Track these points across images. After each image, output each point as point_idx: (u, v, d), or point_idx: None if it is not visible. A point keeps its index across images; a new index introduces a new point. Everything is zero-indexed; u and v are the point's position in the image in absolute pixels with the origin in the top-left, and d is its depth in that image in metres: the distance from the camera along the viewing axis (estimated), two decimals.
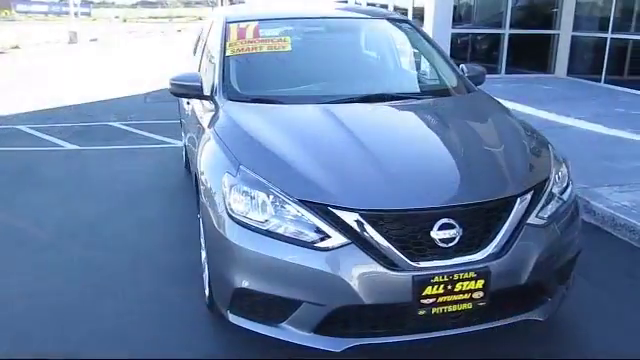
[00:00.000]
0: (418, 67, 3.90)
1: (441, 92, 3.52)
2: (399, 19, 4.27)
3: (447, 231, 2.40)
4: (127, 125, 8.03)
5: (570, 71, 11.51)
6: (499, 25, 11.62)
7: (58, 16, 49.81)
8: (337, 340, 2.45)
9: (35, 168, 5.95)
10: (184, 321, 3.07)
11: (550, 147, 3.01)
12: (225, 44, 3.62)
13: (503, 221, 2.49)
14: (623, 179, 4.93)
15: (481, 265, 2.42)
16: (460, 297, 2.42)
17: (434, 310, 2.41)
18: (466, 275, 2.40)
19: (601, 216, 4.24)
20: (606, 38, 10.45)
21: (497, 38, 11.68)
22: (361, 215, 2.37)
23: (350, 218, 2.37)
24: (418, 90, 3.58)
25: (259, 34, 3.70)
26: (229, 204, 2.54)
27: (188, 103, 4.21)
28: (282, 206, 2.45)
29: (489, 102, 3.44)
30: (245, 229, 2.48)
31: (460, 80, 3.65)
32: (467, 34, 11.54)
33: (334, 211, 2.39)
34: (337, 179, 2.50)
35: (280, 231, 2.43)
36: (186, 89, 3.47)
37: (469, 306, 2.45)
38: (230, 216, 2.53)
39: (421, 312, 2.40)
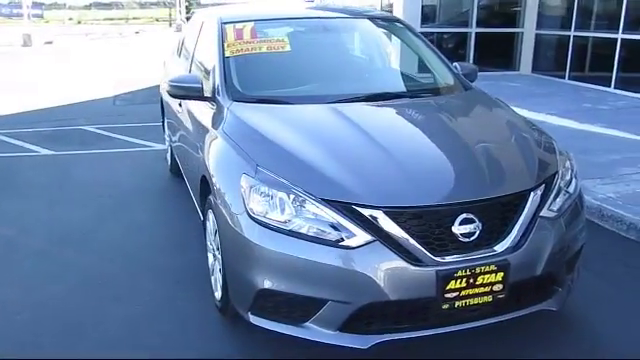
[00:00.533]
0: (415, 66, 3.94)
1: (441, 90, 3.58)
2: (390, 18, 4.32)
3: (467, 226, 2.45)
4: (101, 129, 7.86)
5: (535, 68, 11.82)
6: (466, 24, 11.85)
7: (9, 18, 48.20)
8: (363, 337, 2.47)
9: (12, 175, 5.78)
10: (195, 325, 3.04)
11: (554, 142, 3.10)
12: (223, 45, 3.59)
13: (519, 214, 2.56)
14: (603, 172, 5.10)
15: (500, 258, 2.47)
16: (481, 290, 2.47)
17: (457, 304, 2.45)
18: (487, 268, 2.45)
19: (588, 208, 4.37)
20: (569, 36, 10.78)
21: (464, 37, 11.91)
22: (385, 212, 2.39)
23: (374, 216, 2.39)
24: (419, 88, 3.62)
25: (256, 35, 3.69)
26: (249, 205, 2.53)
27: (180, 105, 4.15)
28: (305, 206, 2.45)
29: (489, 99, 3.52)
30: (267, 229, 2.48)
31: (456, 78, 3.72)
32: (435, 33, 11.70)
33: (358, 209, 2.41)
34: (359, 178, 2.53)
35: (303, 231, 2.44)
36: (186, 90, 3.43)
37: (489, 299, 2.50)
38: (251, 217, 2.52)
39: (445, 306, 2.44)
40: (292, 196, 2.48)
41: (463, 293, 2.44)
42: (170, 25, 53.23)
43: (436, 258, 2.40)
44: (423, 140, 2.96)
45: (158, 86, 6.10)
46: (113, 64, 16.96)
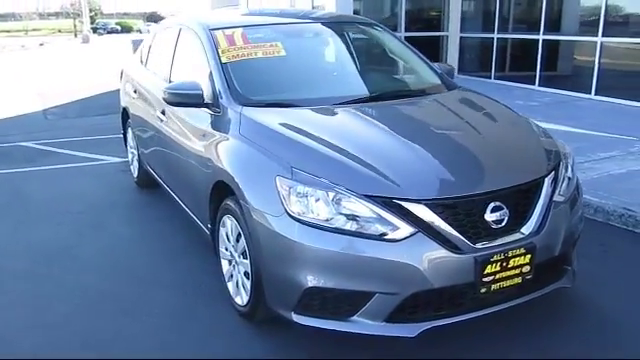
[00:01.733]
0: (402, 67, 4.09)
1: (434, 89, 3.73)
2: (371, 22, 4.45)
3: (497, 213, 2.61)
4: (42, 144, 7.49)
5: (461, 69, 12.39)
6: (395, 28, 12.24)
7: None
8: (409, 326, 2.57)
9: None
10: (218, 333, 3.01)
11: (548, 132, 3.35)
12: (217, 51, 3.58)
13: (537, 200, 2.76)
14: None
15: (528, 241, 2.66)
16: (512, 272, 2.64)
17: (492, 287, 2.61)
18: (517, 251, 2.62)
19: None
20: (493, 38, 11.42)
21: None
22: (426, 204, 2.51)
23: (416, 208, 2.50)
24: (415, 88, 3.76)
25: (248, 40, 3.71)
26: (289, 206, 2.57)
27: (164, 113, 4.08)
28: (347, 203, 2.52)
29: (482, 97, 3.72)
30: (311, 228, 2.53)
31: (442, 77, 3.91)
32: None
33: (400, 203, 2.51)
34: (396, 173, 2.63)
35: (347, 227, 2.51)
36: (186, 98, 3.40)
37: (519, 280, 2.68)
38: (293, 218, 2.55)
39: (482, 290, 2.59)
40: (333, 194, 2.54)
41: (498, 276, 2.60)
42: (75, 36, 51.18)
43: (473, 245, 2.55)
44: (442, 135, 3.11)
45: (88, 99, 5.92)
46: (28, 77, 16.15)
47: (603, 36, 8.96)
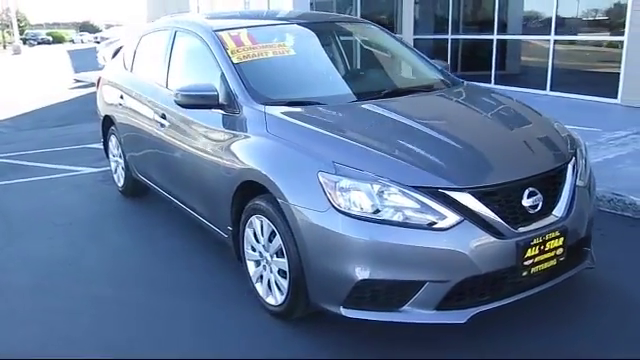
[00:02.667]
0: (406, 64, 4.15)
1: (442, 84, 3.81)
2: (367, 22, 4.51)
3: (533, 198, 2.71)
4: (7, 158, 7.14)
5: None
6: None
7: None
8: (458, 313, 2.62)
9: None
10: (253, 334, 2.99)
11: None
12: (227, 52, 3.55)
13: (563, 185, 2.88)
14: None
15: (560, 224, 2.77)
16: (548, 255, 2.74)
17: (532, 270, 2.70)
18: (552, 235, 2.73)
19: None
20: (447, 39, 11.75)
21: None
22: (470, 193, 2.58)
23: (461, 197, 2.57)
24: (423, 84, 3.82)
25: (256, 40, 3.70)
26: (336, 201, 2.58)
27: (164, 117, 3.99)
28: (394, 194, 2.55)
29: (489, 90, 3.84)
30: (359, 221, 2.55)
31: (444, 73, 4.01)
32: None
33: (446, 192, 2.56)
34: (437, 163, 2.69)
35: (396, 218, 2.54)
36: (202, 99, 3.35)
37: (554, 262, 2.78)
38: (340, 212, 2.56)
39: (524, 273, 2.68)
40: (379, 186, 2.57)
41: (536, 259, 2.70)
42: (5, 47, 48.97)
43: (514, 230, 2.63)
44: (469, 126, 3.20)
45: (39, 111, 5.73)
46: None
47: (556, 34, 9.38)
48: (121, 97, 4.87)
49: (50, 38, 63.87)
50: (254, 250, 3.18)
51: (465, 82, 3.93)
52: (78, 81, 16.96)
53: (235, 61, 3.50)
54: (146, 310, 3.28)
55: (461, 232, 2.54)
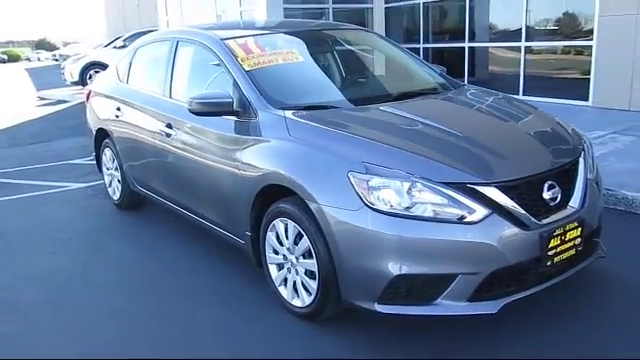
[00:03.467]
0: (409, 68, 4.24)
1: (445, 86, 3.93)
2: (365, 29, 4.62)
3: (552, 191, 2.84)
4: None
5: None
6: (322, 0, 12.44)
7: None
8: (489, 303, 2.70)
9: None
10: (283, 335, 3.02)
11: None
12: (237, 60, 3.59)
13: (576, 178, 3.01)
14: None
15: (577, 215, 2.89)
16: (568, 245, 2.86)
17: (555, 260, 2.81)
18: (571, 225, 2.85)
19: None
20: (419, 48, 12.00)
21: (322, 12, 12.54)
22: (496, 187, 2.68)
23: (488, 191, 2.66)
24: (429, 87, 3.92)
25: (264, 48, 3.75)
26: (368, 199, 2.64)
27: (170, 127, 4.00)
28: (425, 191, 2.63)
29: (491, 91, 3.97)
30: (393, 218, 2.62)
31: (444, 77, 4.13)
32: (298, 9, 12.05)
33: (474, 187, 2.66)
34: (462, 160, 2.78)
35: (427, 214, 2.62)
36: (217, 106, 3.38)
37: (573, 252, 2.91)
38: (374, 210, 2.63)
39: (548, 263, 2.79)
40: (410, 184, 2.64)
41: (559, 249, 2.81)
42: None
43: (538, 222, 2.74)
44: (485, 124, 3.31)
45: (10, 129, 5.64)
46: None
47: (526, 41, 9.70)
48: (118, 109, 4.84)
49: (5, 57, 62.39)
50: (277, 253, 3.21)
51: (465, 84, 4.05)
52: (43, 99, 16.66)
53: (247, 68, 3.54)
54: (165, 318, 3.26)
55: (490, 225, 2.63)
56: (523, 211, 2.71)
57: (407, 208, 2.63)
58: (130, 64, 4.96)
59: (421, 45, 11.94)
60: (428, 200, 2.63)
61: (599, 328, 2.94)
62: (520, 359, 2.71)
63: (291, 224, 3.02)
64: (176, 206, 4.26)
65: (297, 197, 2.95)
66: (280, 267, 3.23)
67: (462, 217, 2.62)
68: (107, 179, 5.43)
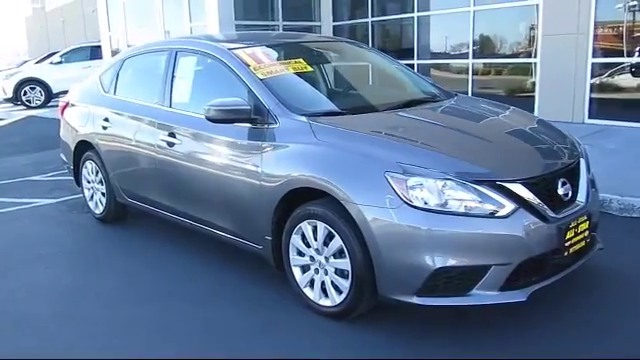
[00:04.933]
0: (405, 79, 4.44)
1: (442, 96, 4.14)
2: (357, 42, 4.81)
3: (564, 187, 3.10)
4: None
5: None
6: (273, 18, 12.59)
7: None
8: (518, 292, 2.89)
9: None
10: (317, 334, 3.10)
11: None
12: (249, 69, 3.66)
13: (580, 176, 3.29)
14: None
15: (585, 209, 3.16)
16: (580, 237, 3.12)
17: (570, 250, 3.06)
18: (582, 218, 3.11)
19: None
20: (367, 22, 12.21)
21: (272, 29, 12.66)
22: (522, 184, 2.90)
23: (515, 187, 2.88)
24: (429, 96, 4.12)
25: (272, 58, 3.85)
26: (407, 197, 2.79)
27: (174, 136, 4.00)
28: (459, 188, 2.81)
29: (485, 99, 4.23)
30: (431, 214, 2.78)
31: (437, 87, 4.37)
32: (250, 26, 12.05)
33: (502, 184, 2.86)
34: (487, 159, 3.01)
35: (462, 209, 2.80)
36: (235, 113, 3.44)
37: (583, 244, 3.17)
38: (413, 207, 2.78)
39: (565, 254, 3.02)
40: (444, 182, 2.82)
41: (573, 241, 3.06)
42: None
43: (556, 215, 2.98)
44: (496, 128, 3.54)
45: None
46: None
47: (474, 58, 10.24)
48: (105, 120, 4.77)
49: None
50: (302, 255, 3.29)
51: (457, 93, 4.30)
52: None
53: (261, 77, 3.62)
54: (193, 325, 3.25)
55: (517, 218, 2.84)
56: (544, 205, 2.93)
57: (443, 205, 2.80)
58: (117, 75, 4.90)
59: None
60: (462, 197, 2.81)
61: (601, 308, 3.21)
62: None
63: (321, 225, 3.12)
64: (176, 216, 4.24)
65: (328, 199, 3.05)
66: (304, 269, 3.31)
67: (493, 212, 2.82)
68: (88, 193, 5.30)
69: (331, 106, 3.63)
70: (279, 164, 3.29)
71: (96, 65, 15.57)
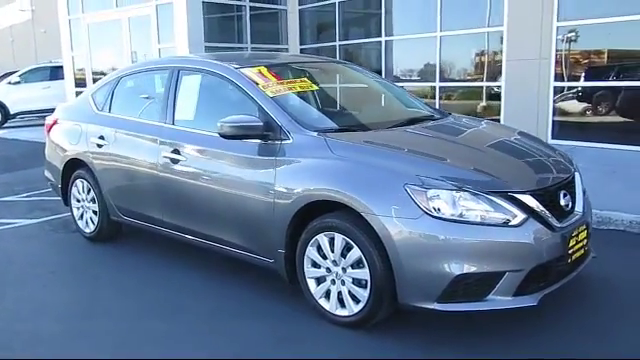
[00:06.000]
0: (401, 99, 4.63)
1: (437, 115, 4.35)
2: (349, 62, 4.99)
3: (565, 198, 3.32)
4: None
5: None
6: (241, 41, 12.68)
7: None
8: (529, 297, 3.07)
9: None
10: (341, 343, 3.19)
11: None
12: (258, 87, 3.77)
13: (576, 188, 3.52)
14: None
15: (583, 219, 3.39)
16: (580, 245, 3.34)
17: (573, 257, 3.27)
18: (582, 228, 3.34)
19: None
20: (335, 45, 12.47)
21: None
22: (531, 195, 3.10)
23: (525, 198, 3.07)
24: (428, 115, 4.30)
25: (278, 76, 3.97)
26: (427, 208, 2.95)
27: (178, 152, 4.05)
28: (475, 199, 2.99)
29: (478, 118, 4.46)
30: (450, 223, 2.94)
31: (431, 107, 4.58)
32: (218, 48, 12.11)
33: (515, 195, 3.05)
34: (498, 173, 3.20)
35: (478, 219, 2.98)
36: (248, 130, 3.54)
37: (582, 252, 3.39)
38: (434, 217, 2.94)
39: (568, 261, 3.23)
40: (461, 194, 2.99)
41: (575, 248, 3.27)
42: None
43: (560, 225, 3.18)
44: (499, 144, 3.74)
45: None
46: None
47: (440, 81, 10.61)
48: (101, 138, 4.76)
49: None
50: (317, 267, 3.39)
51: (450, 113, 4.52)
52: None
53: (270, 95, 3.73)
54: (208, 337, 3.30)
55: (528, 227, 3.03)
56: (550, 216, 3.14)
57: (461, 215, 2.96)
58: (112, 93, 4.92)
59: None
60: (478, 207, 2.99)
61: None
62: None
63: (339, 237, 3.23)
64: (177, 232, 4.27)
65: (345, 211, 3.18)
66: (319, 281, 3.40)
67: (507, 221, 3.00)
68: (77, 212, 5.24)
69: (340, 123, 3.78)
70: (295, 178, 3.40)
71: (56, 86, 15.33)
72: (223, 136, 3.58)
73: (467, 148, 3.49)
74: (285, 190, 3.43)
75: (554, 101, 8.98)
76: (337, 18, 12.47)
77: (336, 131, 3.57)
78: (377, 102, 4.60)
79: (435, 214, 2.95)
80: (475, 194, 3.00)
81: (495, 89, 9.90)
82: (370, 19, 12.26)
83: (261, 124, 3.54)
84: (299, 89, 3.93)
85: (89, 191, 5.02)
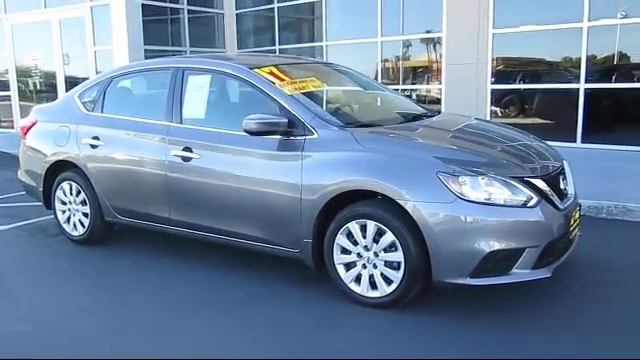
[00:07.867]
0: (395, 98, 4.94)
1: (433, 112, 4.70)
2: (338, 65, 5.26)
3: (564, 182, 3.77)
4: None
5: None
6: (180, 44, 12.59)
7: None
8: (543, 270, 3.46)
9: None
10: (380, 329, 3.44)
11: None
12: (275, 86, 3.95)
13: (566, 174, 3.98)
14: None
15: (576, 201, 3.85)
16: (576, 224, 3.79)
17: (571, 235, 3.71)
18: (577, 208, 3.79)
19: None
20: (275, 49, 12.65)
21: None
22: (542, 179, 3.50)
23: (538, 182, 3.47)
24: (424, 112, 4.62)
25: (291, 75, 4.17)
26: (460, 192, 3.27)
27: (190, 150, 4.14)
28: (498, 184, 3.34)
29: (468, 115, 4.85)
30: (481, 206, 3.28)
31: (422, 105, 4.95)
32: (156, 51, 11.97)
33: (530, 180, 3.44)
34: (513, 159, 3.58)
35: (502, 201, 3.33)
36: (272, 126, 3.70)
37: (577, 231, 3.84)
38: (466, 201, 3.26)
39: (570, 237, 3.67)
40: (487, 179, 3.33)
41: (573, 227, 3.72)
42: None
43: (564, 205, 3.62)
44: (501, 136, 4.12)
45: None
46: None
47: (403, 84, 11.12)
48: (95, 138, 4.72)
49: None
50: (347, 253, 3.62)
51: (440, 110, 4.90)
52: None
53: (288, 93, 3.93)
54: (250, 324, 3.44)
55: (542, 208, 3.42)
56: (556, 197, 3.56)
57: (488, 198, 3.31)
58: (104, 94, 4.88)
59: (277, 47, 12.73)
60: (502, 191, 3.34)
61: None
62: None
63: (371, 223, 3.48)
64: (187, 229, 4.33)
65: (379, 199, 3.44)
66: (349, 266, 3.63)
67: (525, 202, 3.38)
68: (62, 215, 5.13)
69: (357, 118, 4.04)
70: (325, 171, 3.61)
71: None
72: (248, 132, 3.72)
73: (476, 139, 3.87)
74: (314, 182, 3.63)
75: (491, 102, 9.70)
76: (276, 22, 12.69)
77: (357, 126, 3.82)
78: (377, 101, 4.89)
79: (466, 198, 3.27)
80: (498, 179, 3.35)
81: (435, 91, 10.51)
82: (310, 23, 12.57)
83: (285, 120, 3.72)
84: (312, 88, 4.14)
85: (78, 193, 4.95)
